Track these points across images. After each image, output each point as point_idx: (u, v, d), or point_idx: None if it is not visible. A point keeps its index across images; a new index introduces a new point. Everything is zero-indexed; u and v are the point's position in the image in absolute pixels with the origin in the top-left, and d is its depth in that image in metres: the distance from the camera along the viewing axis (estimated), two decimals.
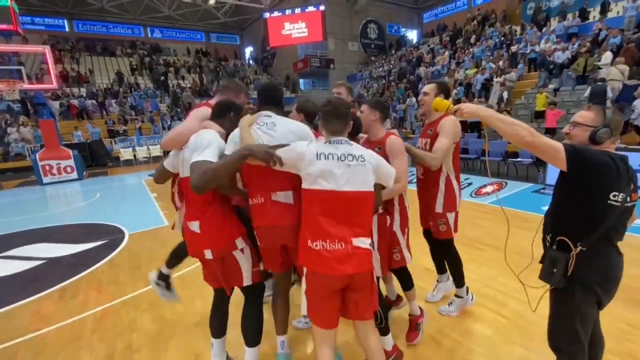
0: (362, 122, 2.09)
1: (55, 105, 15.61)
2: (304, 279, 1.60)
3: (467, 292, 2.67)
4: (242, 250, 1.85)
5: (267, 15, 19.86)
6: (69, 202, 8.08)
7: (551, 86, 10.33)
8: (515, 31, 14.54)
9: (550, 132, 8.40)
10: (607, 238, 1.38)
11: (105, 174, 11.61)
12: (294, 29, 19.73)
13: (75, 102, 16.41)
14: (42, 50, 9.37)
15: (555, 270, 1.41)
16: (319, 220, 1.49)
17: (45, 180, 9.92)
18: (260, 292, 2.04)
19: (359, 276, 1.52)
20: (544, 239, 1.56)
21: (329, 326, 1.56)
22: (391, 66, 19.42)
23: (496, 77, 11.48)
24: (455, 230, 2.49)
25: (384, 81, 18.18)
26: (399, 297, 2.71)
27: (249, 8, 22.73)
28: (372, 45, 23.84)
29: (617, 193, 1.31)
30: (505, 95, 10.81)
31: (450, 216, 2.44)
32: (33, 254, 4.47)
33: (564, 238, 1.41)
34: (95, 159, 12.99)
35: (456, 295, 2.68)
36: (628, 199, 1.35)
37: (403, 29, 25.22)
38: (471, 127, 10.43)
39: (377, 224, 2.05)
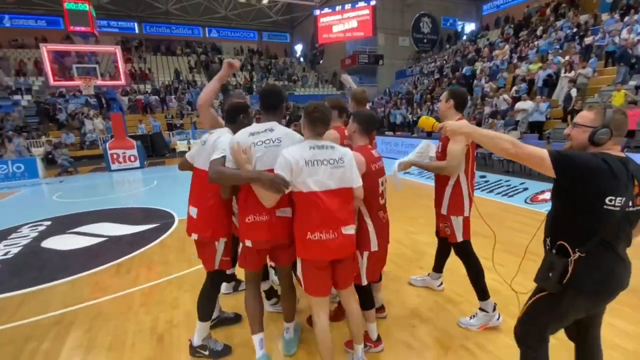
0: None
1: (124, 100, 17.28)
2: (299, 265, 1.87)
3: (494, 309, 2.45)
4: (224, 243, 2.13)
5: (317, 12, 19.96)
6: (130, 188, 8.91)
7: (632, 83, 9.03)
8: (586, 22, 12.94)
9: (630, 134, 7.36)
10: (607, 245, 1.32)
11: (163, 163, 12.59)
12: (344, 25, 19.62)
13: (141, 97, 18.00)
14: (113, 50, 10.45)
15: (551, 274, 1.37)
16: (314, 216, 1.75)
17: (113, 167, 11.03)
18: (220, 278, 2.29)
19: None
20: (544, 241, 1.51)
21: (325, 294, 1.92)
22: (444, 61, 18.47)
23: (564, 72, 10.32)
24: (466, 237, 2.43)
25: (436, 77, 17.36)
26: (382, 307, 2.68)
27: (300, 6, 23.07)
28: (425, 40, 22.90)
29: (613, 197, 1.25)
30: (574, 92, 9.69)
31: (456, 220, 2.39)
32: (98, 232, 4.99)
33: (564, 243, 1.36)
34: (155, 150, 14.14)
35: (480, 309, 2.48)
36: (631, 203, 1.27)
37: (460, 22, 23.88)
38: (531, 127, 9.54)
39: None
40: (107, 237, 4.78)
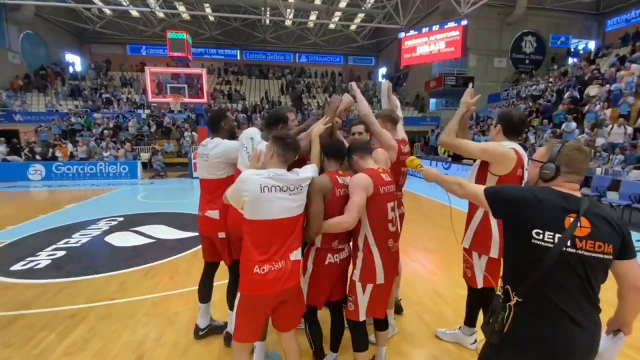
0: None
1: None
2: (238, 303, 1.72)
3: (475, 340, 2.36)
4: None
5: (401, 34, 19.61)
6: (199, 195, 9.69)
7: None
8: None
9: None
10: (542, 291, 1.17)
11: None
12: (429, 47, 18.78)
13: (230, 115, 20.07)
14: (199, 72, 11.92)
15: (491, 320, 1.27)
16: (264, 245, 1.66)
17: (195, 174, 12.32)
18: None
19: (292, 288, 1.74)
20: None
21: (255, 340, 1.85)
22: (549, 84, 15.99)
23: None
24: (490, 284, 2.07)
25: (538, 101, 15.08)
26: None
27: (387, 30, 23.07)
28: (527, 61, 20.44)
29: (540, 231, 1.16)
30: None
31: (478, 260, 2.10)
32: (151, 233, 5.40)
33: (507, 285, 1.28)
34: None
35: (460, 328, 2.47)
36: (569, 242, 1.13)
37: (575, 40, 20.66)
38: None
39: (314, 255, 2.00)
40: (155, 239, 5.12)
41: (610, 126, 9.35)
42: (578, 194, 1.23)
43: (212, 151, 2.32)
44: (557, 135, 11.18)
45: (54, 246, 4.76)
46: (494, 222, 2.05)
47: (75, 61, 23.96)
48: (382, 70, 28.95)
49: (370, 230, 1.90)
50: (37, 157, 12.40)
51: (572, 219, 1.15)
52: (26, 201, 8.66)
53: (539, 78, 17.81)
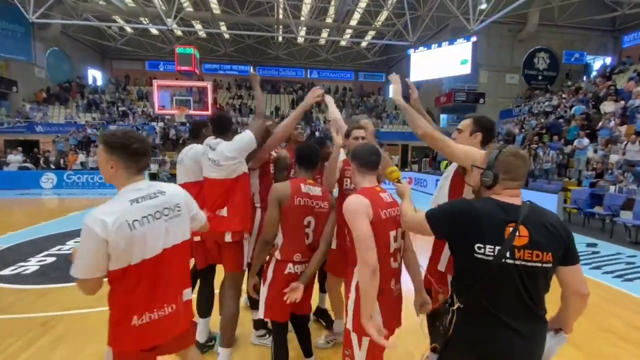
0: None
1: None
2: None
3: None
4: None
5: (410, 51, 19.74)
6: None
7: None
8: None
9: None
10: (480, 302, 1.18)
11: None
12: (438, 64, 18.77)
13: (239, 128, 20.40)
14: (205, 85, 12.24)
15: (437, 323, 1.33)
16: (144, 292, 1.29)
17: None
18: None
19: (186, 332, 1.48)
20: None
21: None
22: (562, 100, 15.64)
23: None
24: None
25: (549, 117, 14.72)
26: None
27: (397, 47, 23.29)
28: (539, 77, 20.19)
29: (482, 245, 1.14)
30: None
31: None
32: None
33: (453, 291, 1.29)
34: None
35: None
36: (508, 254, 1.12)
37: (590, 57, 20.29)
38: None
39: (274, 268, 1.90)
40: None
41: (624, 143, 8.98)
42: (518, 201, 1.21)
43: (185, 155, 2.48)
44: (569, 152, 10.80)
45: (45, 252, 4.81)
46: None
47: (96, 76, 25.08)
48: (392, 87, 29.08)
49: None
50: (52, 165, 12.84)
51: (511, 229, 1.13)
52: (33, 208, 8.90)
53: (553, 95, 17.47)
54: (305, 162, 1.96)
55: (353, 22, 23.21)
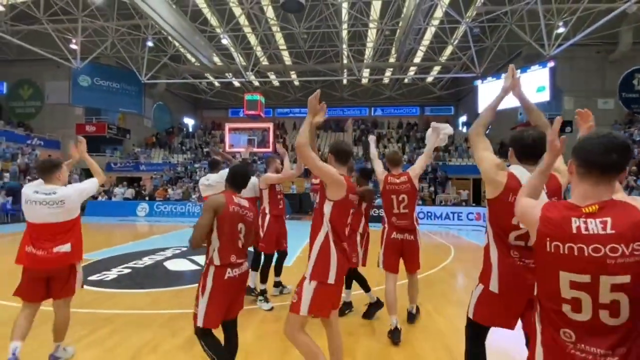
0: None
1: None
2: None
3: None
4: None
5: (477, 82, 18.98)
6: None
7: None
8: None
9: None
10: None
11: (299, 219, 14.06)
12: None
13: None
14: (267, 126, 13.40)
15: None
16: (33, 237, 2.40)
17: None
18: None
19: (59, 269, 2.47)
20: None
21: (34, 300, 2.46)
22: None
23: None
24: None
25: None
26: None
27: (467, 79, 22.64)
28: None
29: None
30: None
31: None
32: (202, 262, 5.93)
33: None
34: (302, 207, 16.22)
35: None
36: None
37: None
38: None
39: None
40: (202, 266, 5.60)
41: None
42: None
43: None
44: None
45: (124, 265, 5.64)
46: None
47: (189, 123, 29.52)
48: (463, 119, 27.84)
49: (330, 227, 2.00)
50: (146, 197, 15.17)
51: None
52: (126, 231, 10.53)
53: None
54: (239, 183, 2.26)
55: (417, 59, 23.48)
